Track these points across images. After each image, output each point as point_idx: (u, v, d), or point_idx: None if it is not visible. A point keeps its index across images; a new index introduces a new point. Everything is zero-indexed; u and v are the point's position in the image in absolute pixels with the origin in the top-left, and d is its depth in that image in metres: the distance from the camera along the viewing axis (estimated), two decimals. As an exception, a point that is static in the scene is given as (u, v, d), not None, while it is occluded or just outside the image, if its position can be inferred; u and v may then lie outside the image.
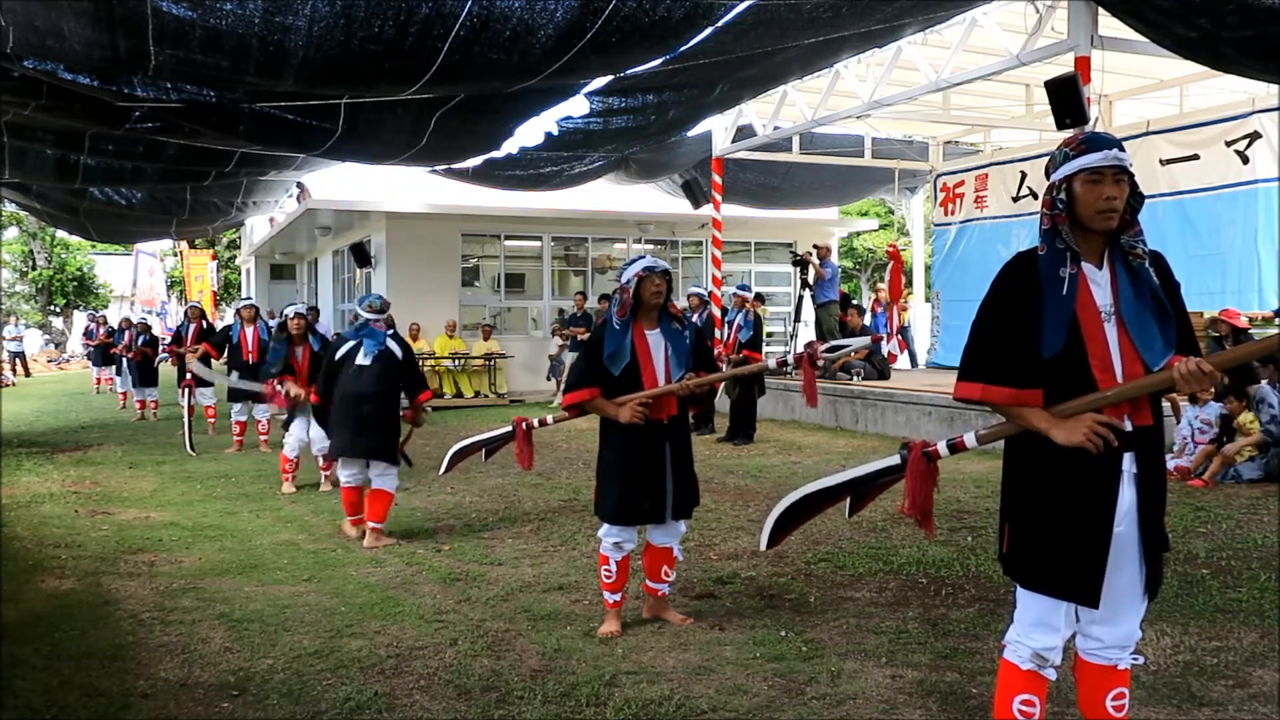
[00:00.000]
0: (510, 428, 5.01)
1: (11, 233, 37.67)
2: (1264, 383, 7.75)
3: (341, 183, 16.48)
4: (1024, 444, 2.67)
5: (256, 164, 10.39)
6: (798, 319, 15.23)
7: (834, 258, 15.28)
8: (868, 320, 15.23)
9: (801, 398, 4.78)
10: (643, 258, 4.41)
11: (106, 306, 36.67)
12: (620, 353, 4.32)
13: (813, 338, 13.04)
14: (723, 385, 11.10)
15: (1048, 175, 2.63)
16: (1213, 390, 7.83)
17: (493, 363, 16.87)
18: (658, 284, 4.34)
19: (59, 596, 5.19)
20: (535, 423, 5.00)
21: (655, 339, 4.41)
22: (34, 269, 38.29)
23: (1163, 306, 2.59)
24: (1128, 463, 2.58)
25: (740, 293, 11.28)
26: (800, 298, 15.15)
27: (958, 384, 2.69)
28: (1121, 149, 2.56)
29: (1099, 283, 2.61)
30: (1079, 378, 2.56)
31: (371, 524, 6.27)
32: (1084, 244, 2.60)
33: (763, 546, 3.24)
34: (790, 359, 4.72)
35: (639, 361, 4.35)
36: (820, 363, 4.41)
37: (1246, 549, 5.60)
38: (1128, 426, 2.57)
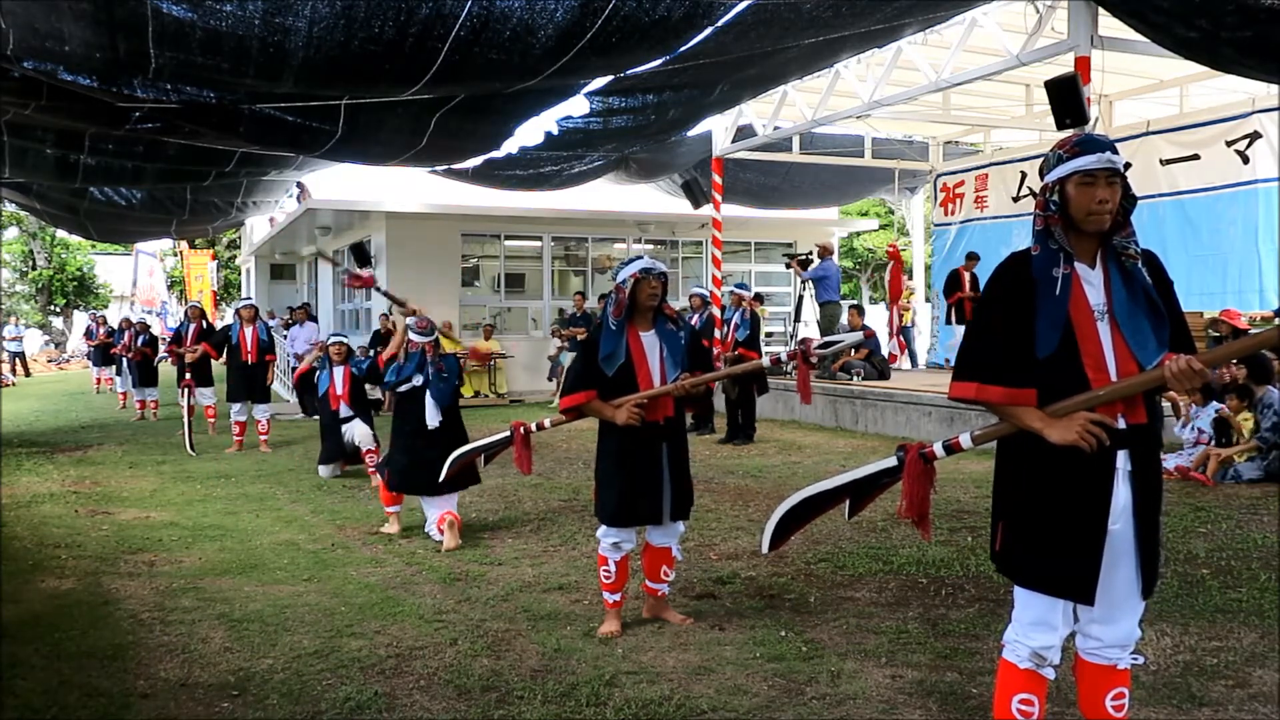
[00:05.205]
0: (508, 433, 4.97)
1: (11, 233, 37.66)
2: (1270, 388, 7.74)
3: (341, 183, 16.47)
4: (1018, 443, 2.68)
5: (256, 164, 10.39)
6: (798, 319, 15.22)
7: (834, 258, 15.27)
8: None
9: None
10: (640, 258, 4.40)
11: (106, 306, 36.67)
12: (616, 354, 4.32)
13: (813, 336, 13.03)
14: (721, 384, 11.10)
15: (1042, 177, 2.65)
16: (1199, 395, 7.83)
17: (493, 363, 16.87)
18: (654, 286, 4.33)
19: (59, 596, 5.20)
20: (533, 427, 4.97)
21: (650, 340, 4.41)
22: (34, 269, 38.29)
23: (1156, 306, 2.60)
24: (1122, 460, 2.59)
25: (738, 291, 11.29)
26: (800, 297, 15.15)
27: (952, 384, 2.70)
28: (1114, 151, 2.56)
29: (1092, 283, 2.62)
30: (1073, 377, 2.57)
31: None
32: (1077, 245, 2.61)
33: (764, 550, 3.24)
34: (784, 356, 4.72)
35: (634, 363, 4.35)
36: (814, 360, 4.41)
37: (1246, 549, 5.60)
38: (1121, 425, 2.58)
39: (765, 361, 5.15)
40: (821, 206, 19.09)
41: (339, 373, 8.91)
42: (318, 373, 9.28)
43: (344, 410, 8.86)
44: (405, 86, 6.23)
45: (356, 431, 8.76)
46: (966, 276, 14.12)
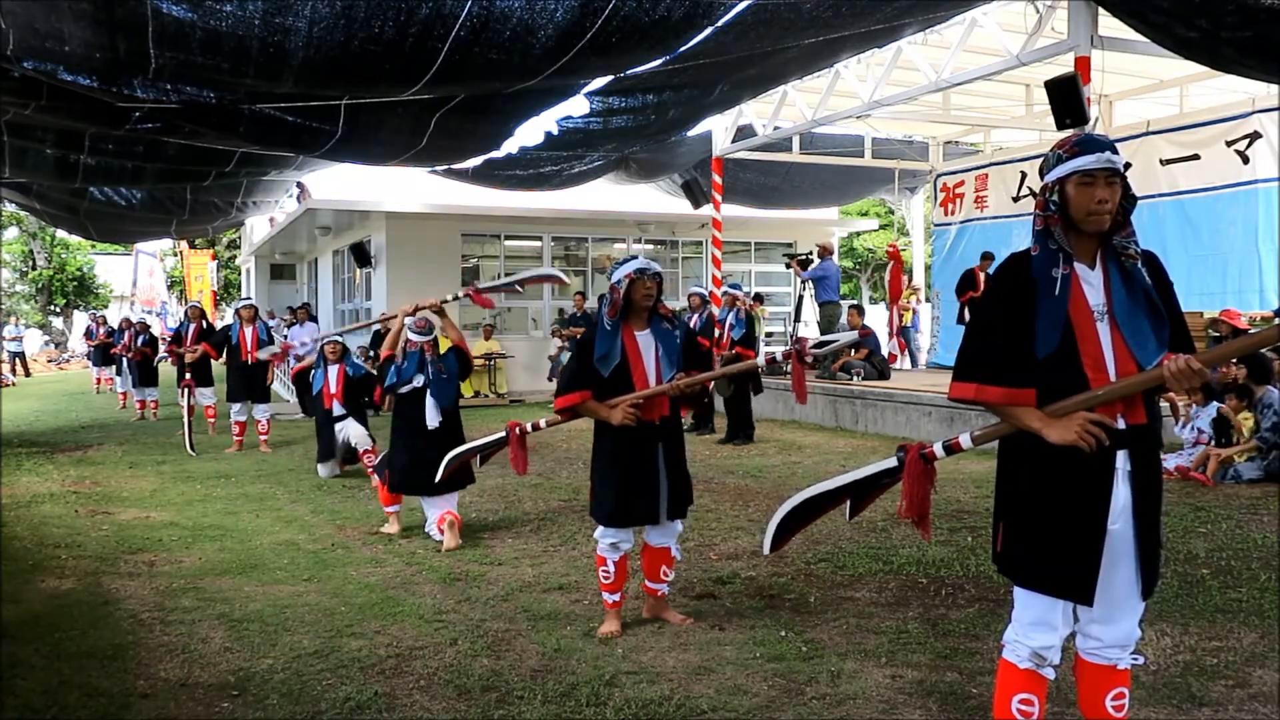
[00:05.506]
0: (504, 433, 4.96)
1: (11, 233, 37.67)
2: (1270, 388, 7.74)
3: (341, 183, 16.48)
4: (1018, 443, 2.68)
5: (256, 164, 10.40)
6: (798, 319, 15.22)
7: (834, 258, 15.28)
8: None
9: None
10: (635, 258, 4.40)
11: (106, 306, 36.67)
12: (611, 354, 4.31)
13: (811, 335, 13.03)
14: (716, 384, 11.09)
15: (1041, 177, 2.65)
16: (1199, 395, 7.82)
17: (493, 363, 16.88)
18: (649, 287, 4.30)
19: (59, 596, 5.20)
20: (529, 427, 4.95)
21: (645, 339, 4.40)
22: (34, 269, 38.29)
23: (1156, 306, 2.60)
24: (1121, 460, 2.59)
25: (731, 291, 11.30)
26: (800, 297, 15.16)
27: (952, 384, 2.70)
28: (1114, 151, 2.56)
29: (1092, 283, 2.62)
30: (1072, 377, 2.57)
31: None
32: (1077, 245, 2.61)
33: (765, 551, 3.24)
34: (780, 356, 4.72)
35: (629, 362, 4.33)
36: (809, 359, 4.41)
37: (1246, 549, 5.60)
38: (1120, 425, 2.58)
39: (761, 361, 5.16)
40: (821, 206, 19.09)
41: (334, 371, 8.96)
42: (313, 371, 9.34)
43: (337, 409, 8.89)
44: (405, 86, 6.23)
45: (351, 431, 8.78)
46: (981, 276, 14.09)
